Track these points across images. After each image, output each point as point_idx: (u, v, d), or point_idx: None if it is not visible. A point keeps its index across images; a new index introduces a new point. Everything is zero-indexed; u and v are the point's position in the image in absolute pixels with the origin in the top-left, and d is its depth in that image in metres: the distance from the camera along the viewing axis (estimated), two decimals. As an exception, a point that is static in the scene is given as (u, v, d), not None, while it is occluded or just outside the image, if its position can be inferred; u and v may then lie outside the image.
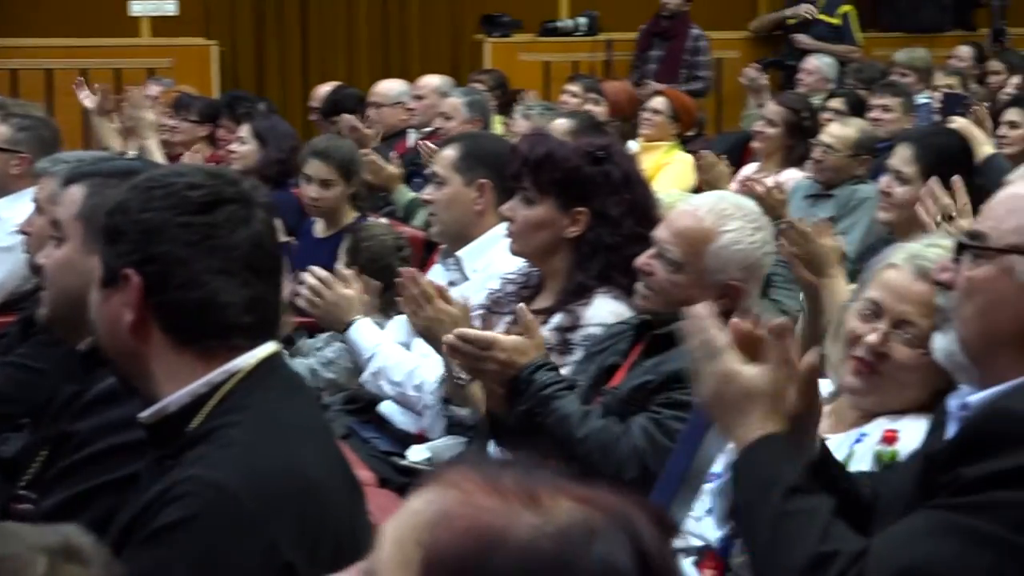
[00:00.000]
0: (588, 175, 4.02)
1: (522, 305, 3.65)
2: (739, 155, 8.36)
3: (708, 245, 3.50)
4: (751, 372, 2.35)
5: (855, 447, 2.92)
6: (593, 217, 4.00)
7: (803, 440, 2.39)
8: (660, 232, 3.58)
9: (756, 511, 2.30)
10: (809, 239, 4.18)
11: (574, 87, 9.08)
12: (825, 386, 2.91)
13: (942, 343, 2.39)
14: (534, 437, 3.45)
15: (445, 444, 4.20)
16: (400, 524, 1.35)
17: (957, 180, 4.39)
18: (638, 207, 4.01)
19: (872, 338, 2.94)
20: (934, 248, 2.99)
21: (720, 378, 2.35)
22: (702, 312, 2.41)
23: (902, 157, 5.30)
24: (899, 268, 2.99)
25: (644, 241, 3.67)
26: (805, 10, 11.48)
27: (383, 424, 4.70)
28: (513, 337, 3.44)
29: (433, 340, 3.84)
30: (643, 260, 3.58)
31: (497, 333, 3.49)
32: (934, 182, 4.43)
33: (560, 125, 6.76)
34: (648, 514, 1.33)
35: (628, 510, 1.33)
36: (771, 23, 11.94)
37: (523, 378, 3.41)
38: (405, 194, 7.18)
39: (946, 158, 5.22)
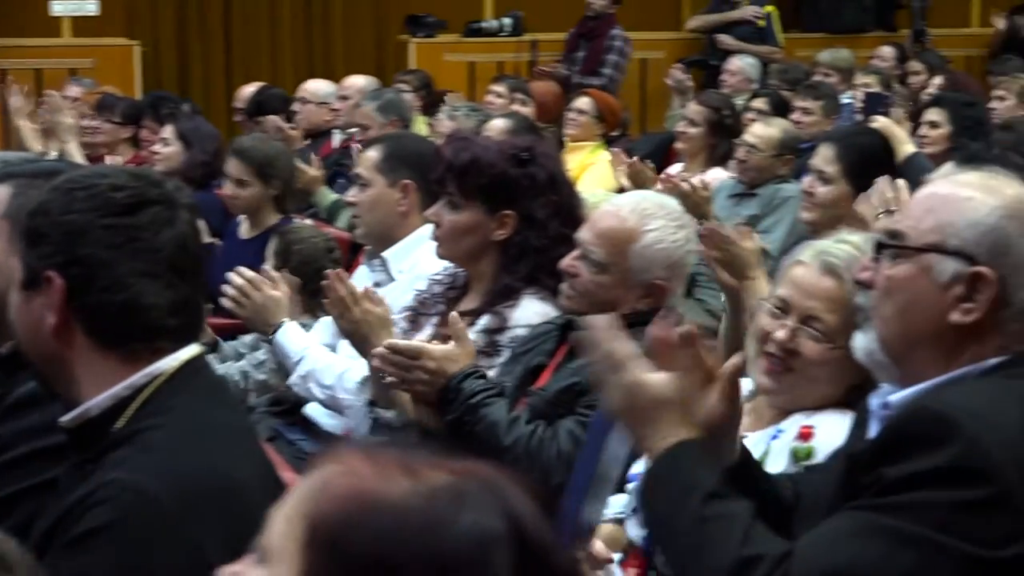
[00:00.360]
0: (514, 178, 4.01)
1: (453, 313, 3.64)
2: (664, 155, 8.39)
3: (631, 245, 3.51)
4: (659, 380, 2.35)
5: (771, 444, 2.94)
6: (520, 220, 4.00)
7: (724, 443, 2.40)
8: (584, 233, 3.59)
9: (674, 519, 2.29)
10: (729, 242, 4.21)
11: (499, 87, 9.09)
12: (746, 385, 2.93)
13: (862, 342, 2.40)
14: (463, 445, 3.45)
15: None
16: (287, 502, 1.42)
17: (900, 183, 4.43)
18: (564, 208, 4.02)
19: (780, 334, 2.96)
20: (841, 244, 3.02)
21: (628, 389, 2.35)
22: (603, 323, 2.41)
23: (824, 157, 5.35)
24: (806, 265, 3.02)
25: (570, 242, 3.68)
26: (752, 13, 11.55)
27: (309, 426, 4.69)
28: (443, 346, 3.44)
29: (359, 342, 3.82)
30: (567, 262, 3.59)
31: (425, 340, 3.48)
32: (885, 181, 4.47)
33: (496, 125, 6.78)
34: (521, 484, 1.39)
35: (500, 480, 1.40)
36: (712, 24, 12.02)
37: (452, 387, 3.41)
38: (327, 196, 7.16)
39: (868, 157, 5.28)
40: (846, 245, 3.03)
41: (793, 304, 2.99)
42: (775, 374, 2.99)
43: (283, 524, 1.40)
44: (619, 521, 3.01)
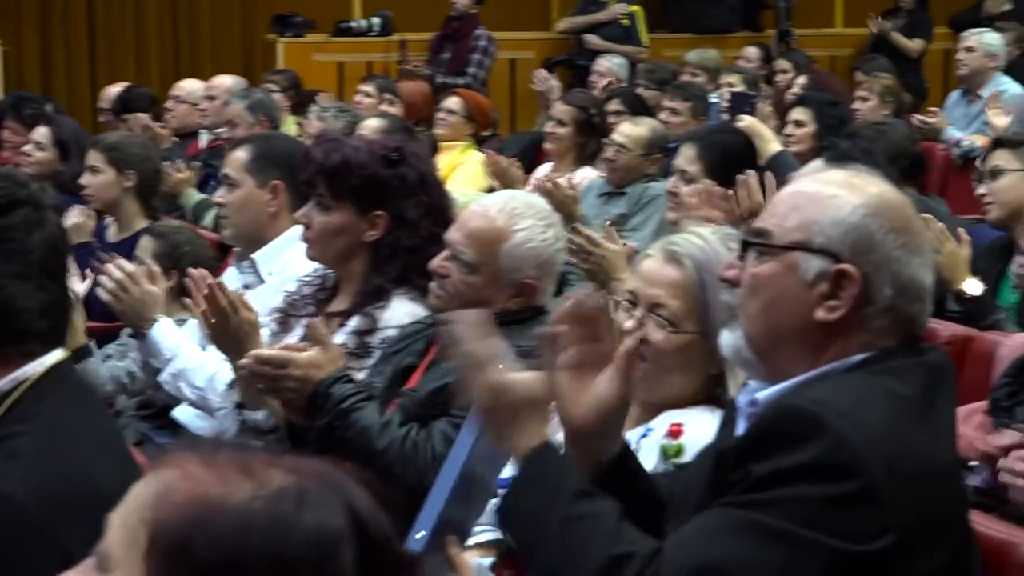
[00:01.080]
0: (384, 178, 4.00)
1: (315, 320, 3.60)
2: (534, 155, 8.42)
3: (501, 245, 3.52)
4: (524, 380, 2.35)
5: (641, 442, 2.95)
6: (391, 220, 3.99)
7: (610, 431, 2.39)
8: (452, 234, 3.59)
9: (543, 519, 2.28)
10: (595, 245, 4.23)
11: (368, 87, 9.07)
12: None
13: (729, 340, 2.40)
14: (335, 450, 3.44)
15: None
16: (125, 508, 1.40)
17: (751, 180, 4.49)
18: (435, 208, 4.01)
19: (629, 324, 2.96)
20: (686, 235, 3.06)
21: (496, 388, 2.35)
22: (469, 319, 2.41)
23: (686, 156, 5.40)
24: (652, 256, 3.05)
25: (442, 242, 3.67)
26: (618, 11, 11.63)
27: (178, 429, 4.63)
28: (308, 353, 3.40)
29: (231, 349, 3.76)
30: (437, 263, 3.59)
31: (295, 343, 3.44)
32: (752, 178, 4.53)
33: (370, 125, 6.77)
34: (360, 480, 1.40)
35: (340, 477, 1.39)
36: (580, 25, 12.09)
37: (320, 393, 3.37)
38: (192, 196, 7.10)
39: (729, 156, 5.34)
40: (691, 235, 3.07)
41: (640, 295, 3.01)
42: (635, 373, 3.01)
43: (122, 531, 1.39)
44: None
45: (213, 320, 3.71)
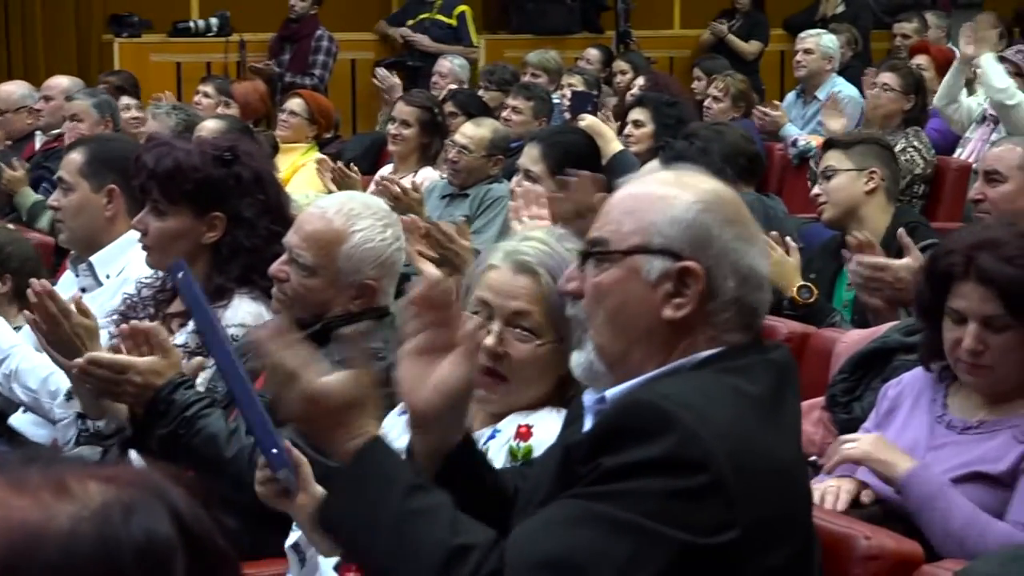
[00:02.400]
0: (218, 179, 3.95)
1: (154, 324, 3.54)
2: (375, 156, 8.39)
3: (340, 247, 3.50)
4: (335, 382, 2.33)
5: (489, 443, 2.94)
6: (229, 220, 3.95)
7: (458, 414, 2.39)
8: (290, 237, 3.56)
9: (377, 517, 2.26)
10: (452, 239, 4.24)
11: (207, 88, 8.99)
12: None
13: (579, 359, 2.40)
14: (179, 457, 3.38)
15: (78, 454, 4.08)
16: None
17: (580, 180, 4.51)
18: (272, 206, 3.98)
19: (490, 341, 2.92)
20: (528, 242, 3.04)
21: (306, 398, 2.33)
22: (271, 331, 2.39)
23: (530, 156, 5.43)
24: (499, 267, 3.00)
25: (279, 238, 3.65)
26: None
27: (15, 437, 4.54)
28: (148, 359, 3.33)
29: (67, 356, 3.67)
30: (276, 267, 3.56)
31: (131, 356, 3.36)
32: (584, 177, 4.54)
33: (209, 127, 6.70)
34: (179, 483, 1.36)
35: (159, 482, 1.35)
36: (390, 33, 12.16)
37: (162, 399, 3.31)
38: (29, 197, 6.97)
39: (572, 155, 5.37)
40: (533, 241, 3.04)
41: (495, 307, 2.98)
42: (489, 386, 2.99)
43: None
44: None
45: (45, 327, 3.63)
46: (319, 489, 2.53)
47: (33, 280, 3.77)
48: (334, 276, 3.50)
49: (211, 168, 3.96)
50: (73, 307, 3.62)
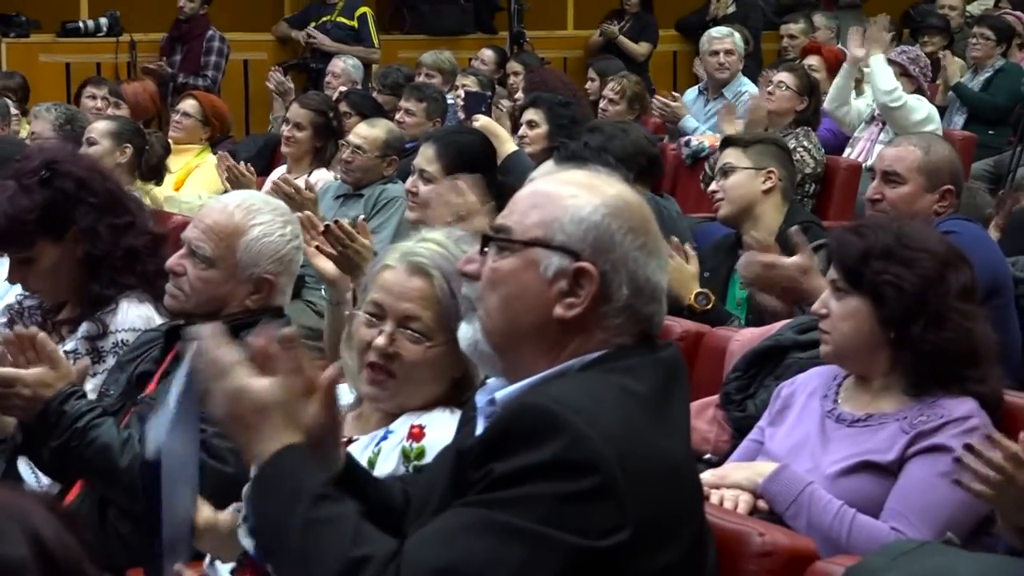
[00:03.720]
0: (50, 202, 3.91)
1: (42, 335, 3.50)
2: (269, 157, 8.34)
3: (239, 239, 3.50)
4: (262, 385, 2.32)
5: (382, 444, 2.95)
6: (83, 232, 3.91)
7: (328, 451, 2.39)
8: (189, 231, 3.56)
9: (283, 524, 2.26)
10: (352, 238, 4.23)
11: (95, 89, 8.90)
12: (344, 395, 2.92)
13: (466, 333, 2.41)
14: (72, 469, 3.35)
15: None
16: None
17: (470, 178, 4.53)
18: (104, 204, 3.94)
19: (380, 341, 2.96)
20: (424, 243, 3.05)
21: (232, 395, 2.32)
22: (208, 331, 2.37)
23: (425, 156, 5.43)
24: (394, 268, 3.03)
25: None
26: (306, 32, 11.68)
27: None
28: (36, 370, 3.27)
29: None
30: (173, 261, 3.55)
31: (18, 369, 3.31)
32: (463, 180, 4.55)
33: (99, 128, 6.64)
34: (44, 503, 1.35)
35: (20, 502, 1.34)
36: (288, 35, 12.11)
37: (52, 411, 3.26)
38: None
39: (467, 155, 5.37)
40: (429, 243, 3.06)
41: (388, 308, 2.99)
42: (379, 382, 3.00)
43: None
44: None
45: None
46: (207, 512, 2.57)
47: None
48: (232, 269, 3.50)
49: (38, 196, 3.91)
50: None
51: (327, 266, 4.21)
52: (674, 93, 9.30)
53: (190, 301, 3.51)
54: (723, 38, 9.40)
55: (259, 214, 3.54)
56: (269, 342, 2.34)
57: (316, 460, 2.34)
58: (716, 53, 9.33)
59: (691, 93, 9.65)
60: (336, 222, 4.30)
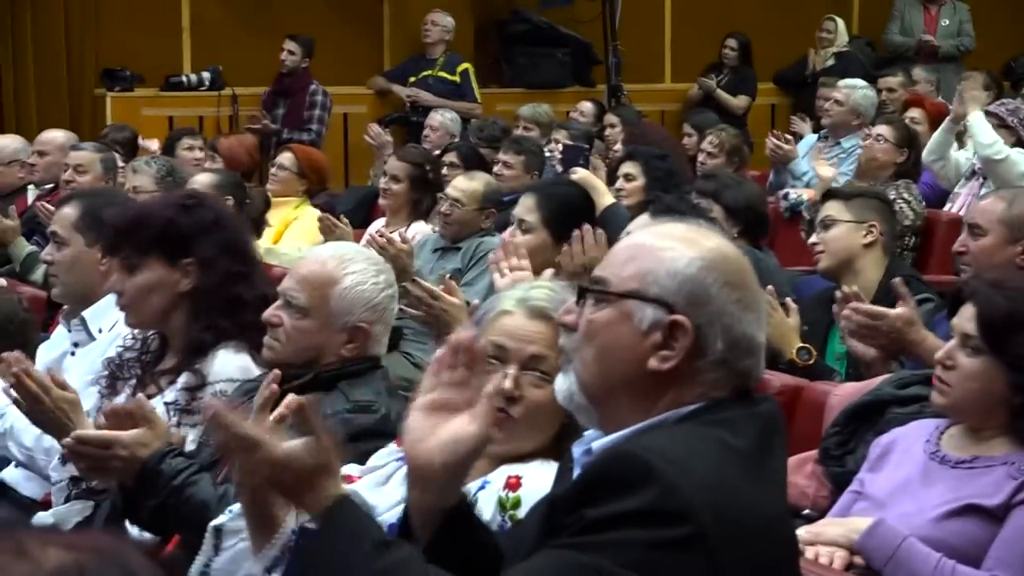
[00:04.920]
0: (183, 224, 3.98)
1: (140, 396, 3.53)
2: (368, 210, 8.41)
3: (333, 288, 3.53)
4: (300, 448, 2.36)
5: (479, 494, 2.94)
6: (199, 265, 3.96)
7: (456, 481, 2.37)
8: (285, 283, 3.60)
9: (350, 574, 2.26)
10: (435, 298, 4.24)
11: (193, 141, 9.02)
12: None
13: (563, 384, 2.41)
14: (171, 526, 3.38)
15: (70, 509, 4.07)
16: None
17: (600, 233, 4.54)
18: (231, 244, 4.01)
19: (507, 384, 2.96)
20: (538, 289, 3.08)
21: (272, 465, 2.36)
22: (222, 407, 2.41)
23: (525, 206, 5.45)
24: (512, 313, 3.05)
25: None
26: (407, 94, 11.75)
27: (6, 491, 4.52)
28: (133, 431, 3.32)
29: (55, 430, 3.63)
30: (270, 312, 3.59)
31: (116, 432, 3.35)
32: (588, 232, 4.56)
33: (201, 180, 6.73)
34: (143, 550, 1.37)
35: (119, 547, 1.36)
36: (386, 88, 12.21)
37: (150, 470, 3.31)
38: (23, 247, 6.97)
39: (567, 207, 5.39)
40: (543, 289, 3.09)
41: (511, 352, 3.01)
42: (499, 423, 3.01)
43: None
44: None
45: (26, 404, 3.63)
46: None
47: (7, 355, 3.75)
48: (326, 318, 3.53)
49: (174, 213, 3.99)
50: (49, 381, 3.61)
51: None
52: (787, 135, 9.25)
53: (286, 351, 3.55)
54: (841, 88, 9.32)
55: (352, 263, 3.57)
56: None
57: (438, 481, 2.31)
58: (829, 99, 9.30)
59: (812, 137, 9.59)
60: (415, 282, 4.32)
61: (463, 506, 2.40)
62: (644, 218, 4.94)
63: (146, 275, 3.98)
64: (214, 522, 3.02)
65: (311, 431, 2.37)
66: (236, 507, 3.06)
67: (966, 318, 3.36)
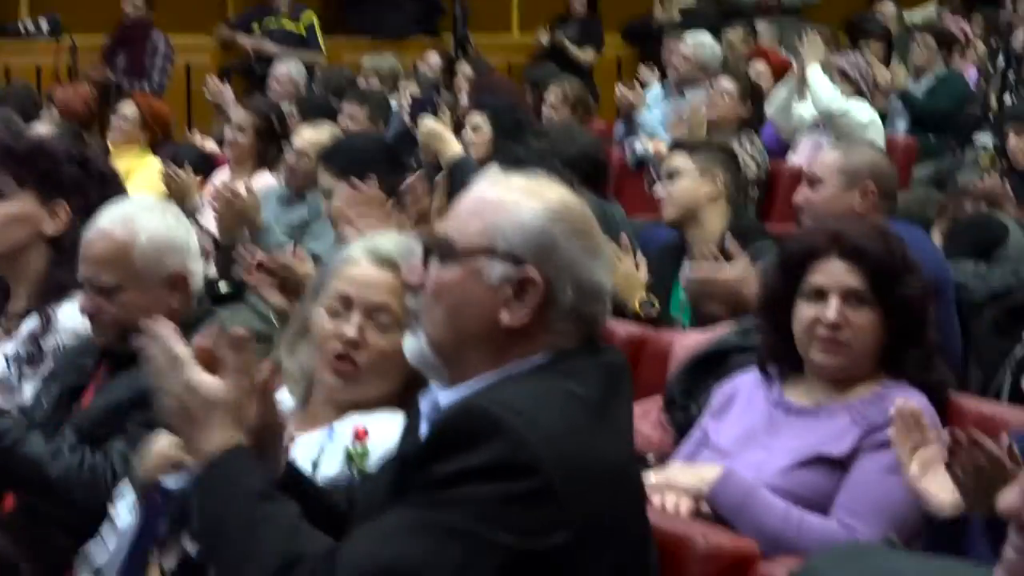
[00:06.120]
0: (71, 171, 3.95)
1: None
2: (211, 160, 8.31)
3: (132, 252, 3.44)
4: (211, 383, 2.34)
5: (326, 445, 2.96)
6: (75, 214, 3.89)
7: (267, 452, 2.40)
8: (85, 270, 3.49)
9: (225, 523, 2.28)
10: (290, 270, 4.20)
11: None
12: (283, 399, 2.92)
13: (412, 344, 2.42)
14: (6, 485, 3.35)
15: None
16: None
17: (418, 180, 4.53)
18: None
19: (350, 332, 2.98)
20: (384, 239, 3.10)
21: (182, 391, 2.33)
22: (159, 327, 2.38)
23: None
24: (358, 261, 3.05)
25: None
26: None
27: None
28: None
29: None
30: (84, 303, 3.49)
31: None
32: (418, 182, 4.56)
33: (40, 131, 6.60)
34: None
35: None
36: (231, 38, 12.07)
37: None
38: None
39: (363, 158, 5.36)
40: (389, 238, 3.12)
41: (355, 300, 3.02)
42: (344, 372, 3.00)
43: None
44: None
45: None
46: None
47: None
48: (141, 282, 3.45)
49: (65, 159, 3.96)
50: None
51: (276, 299, 4.17)
52: (637, 83, 9.30)
53: (117, 332, 3.44)
54: (687, 41, 9.38)
55: (136, 220, 3.47)
56: (216, 341, 2.34)
57: (258, 461, 2.35)
58: (675, 53, 9.35)
59: (657, 88, 9.66)
60: (270, 257, 4.28)
61: (293, 474, 2.45)
62: (493, 169, 4.95)
63: (15, 204, 3.92)
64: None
65: (235, 372, 2.34)
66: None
67: (839, 273, 3.35)
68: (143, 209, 3.53)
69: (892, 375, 3.37)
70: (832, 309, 3.33)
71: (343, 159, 5.36)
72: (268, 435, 2.39)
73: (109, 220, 3.50)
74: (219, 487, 2.30)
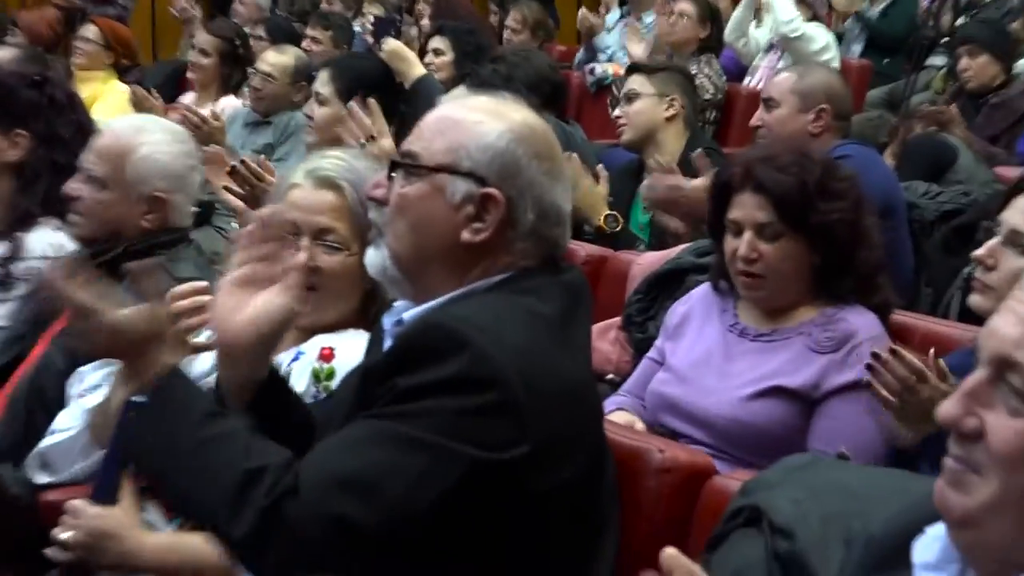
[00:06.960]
0: (28, 97, 3.97)
1: None
2: (176, 85, 8.31)
3: (128, 157, 3.52)
4: (138, 315, 2.40)
5: (292, 365, 2.99)
6: (39, 141, 3.94)
7: (251, 360, 2.39)
8: (84, 156, 3.58)
9: (175, 445, 2.28)
10: (260, 177, 4.25)
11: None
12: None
13: (375, 258, 2.45)
14: None
15: None
16: None
17: (372, 103, 4.56)
18: (84, 129, 3.97)
19: (301, 257, 2.97)
20: (326, 159, 3.11)
21: (108, 332, 2.39)
22: (64, 270, 2.43)
23: (321, 80, 5.45)
24: (302, 185, 3.08)
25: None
26: None
27: None
28: None
29: None
30: (71, 185, 3.57)
31: None
32: (355, 104, 4.58)
33: (1, 55, 6.58)
34: None
35: None
36: None
37: None
38: None
39: (362, 79, 5.39)
40: (332, 158, 3.11)
41: (302, 224, 3.04)
42: (301, 297, 3.05)
43: None
44: None
45: None
46: None
47: None
48: (124, 188, 3.52)
49: (20, 86, 3.98)
50: None
51: (239, 204, 4.23)
52: (599, 10, 9.30)
53: (89, 225, 3.53)
54: None
55: (147, 133, 3.57)
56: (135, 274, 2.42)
57: (248, 356, 2.34)
58: None
59: (615, 14, 9.67)
60: (243, 162, 4.33)
61: (274, 378, 2.44)
62: (460, 90, 4.99)
63: None
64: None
65: (147, 298, 2.40)
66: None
67: (750, 207, 3.38)
68: (161, 130, 3.62)
69: (830, 300, 3.39)
70: (744, 244, 3.38)
71: (347, 78, 5.39)
72: (266, 337, 2.35)
73: (127, 124, 3.64)
74: (164, 412, 2.31)
